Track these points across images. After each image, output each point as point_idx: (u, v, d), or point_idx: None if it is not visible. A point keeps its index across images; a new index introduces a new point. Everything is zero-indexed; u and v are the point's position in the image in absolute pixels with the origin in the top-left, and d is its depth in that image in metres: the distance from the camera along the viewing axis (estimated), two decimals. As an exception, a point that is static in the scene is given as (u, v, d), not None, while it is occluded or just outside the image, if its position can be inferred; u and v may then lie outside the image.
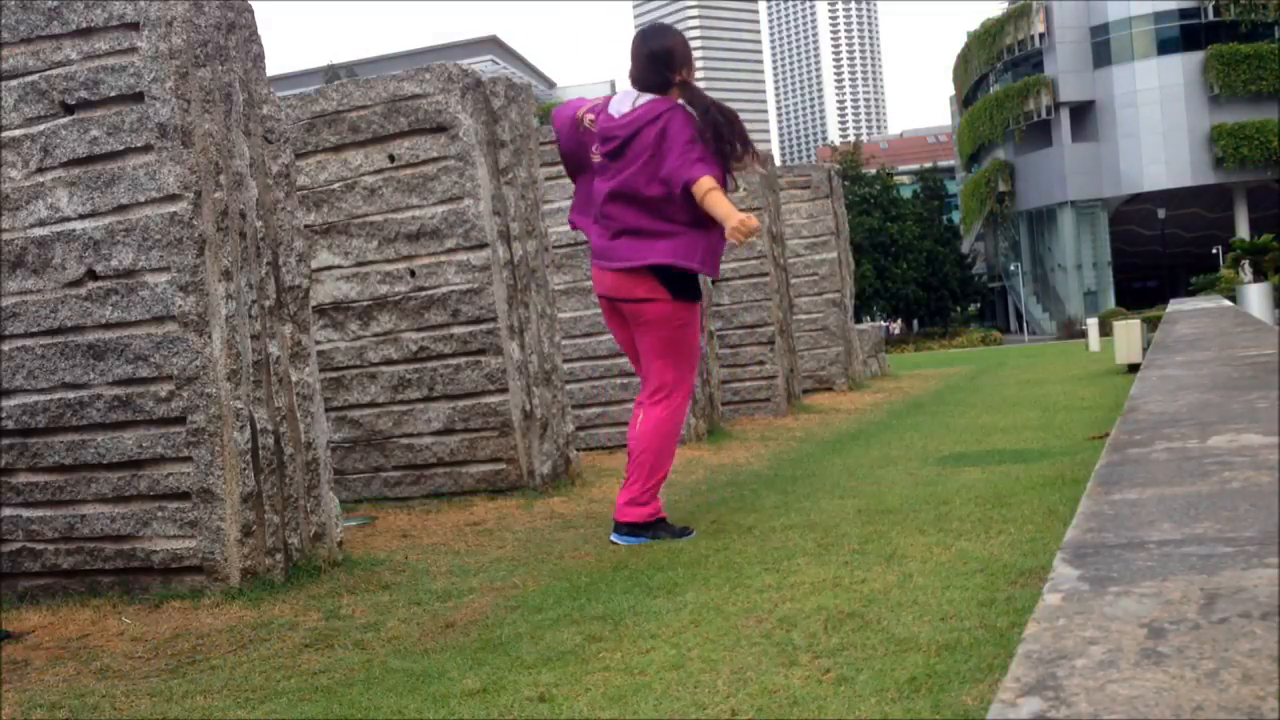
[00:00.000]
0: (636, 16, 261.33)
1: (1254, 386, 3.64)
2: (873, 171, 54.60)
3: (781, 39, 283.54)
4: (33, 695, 2.66)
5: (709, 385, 7.66)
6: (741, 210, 4.06)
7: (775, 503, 4.56)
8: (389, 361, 5.55)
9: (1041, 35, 49.15)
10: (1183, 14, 46.69)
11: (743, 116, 4.31)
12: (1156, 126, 46.74)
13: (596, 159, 4.17)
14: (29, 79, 3.74)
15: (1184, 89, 46.32)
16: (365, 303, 5.57)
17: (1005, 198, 51.81)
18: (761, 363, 9.44)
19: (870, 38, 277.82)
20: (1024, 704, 1.05)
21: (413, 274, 5.50)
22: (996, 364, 17.64)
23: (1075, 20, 48.46)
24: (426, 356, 5.49)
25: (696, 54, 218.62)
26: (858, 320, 39.29)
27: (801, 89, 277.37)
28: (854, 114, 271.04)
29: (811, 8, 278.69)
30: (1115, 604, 1.35)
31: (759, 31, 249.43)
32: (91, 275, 3.69)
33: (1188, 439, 2.66)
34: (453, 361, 5.45)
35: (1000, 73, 53.19)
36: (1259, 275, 18.32)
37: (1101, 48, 48.22)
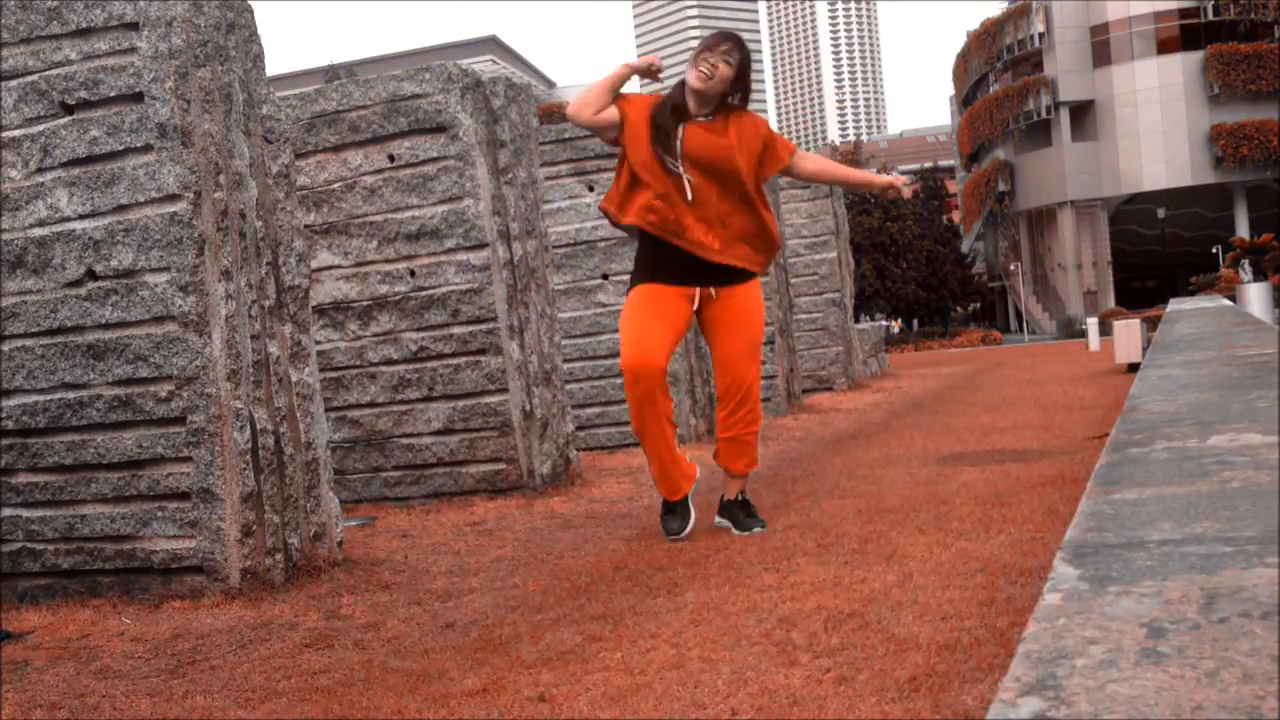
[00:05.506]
0: (636, 17, 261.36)
1: (1254, 386, 3.64)
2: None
3: (781, 39, 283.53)
4: (33, 695, 2.66)
5: (708, 386, 7.65)
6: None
7: (775, 503, 4.56)
8: (389, 361, 5.55)
9: (1041, 35, 49.10)
10: (1183, 14, 46.64)
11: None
12: (1156, 126, 46.70)
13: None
14: (29, 79, 3.74)
15: (1184, 89, 46.28)
16: (365, 303, 5.57)
17: (1005, 197, 51.79)
18: (761, 363, 9.43)
19: (870, 38, 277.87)
20: (1024, 704, 1.05)
21: (413, 274, 5.50)
22: (996, 364, 17.63)
23: (1075, 20, 48.41)
24: (426, 356, 5.49)
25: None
26: (857, 320, 39.28)
27: (801, 89, 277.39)
28: (854, 114, 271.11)
29: (811, 8, 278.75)
30: (1115, 604, 1.35)
31: (759, 31, 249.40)
32: (91, 275, 3.69)
33: (1188, 439, 2.66)
34: (453, 361, 5.45)
35: (1000, 72, 53.16)
36: (1259, 275, 18.31)
37: (1101, 47, 48.18)
